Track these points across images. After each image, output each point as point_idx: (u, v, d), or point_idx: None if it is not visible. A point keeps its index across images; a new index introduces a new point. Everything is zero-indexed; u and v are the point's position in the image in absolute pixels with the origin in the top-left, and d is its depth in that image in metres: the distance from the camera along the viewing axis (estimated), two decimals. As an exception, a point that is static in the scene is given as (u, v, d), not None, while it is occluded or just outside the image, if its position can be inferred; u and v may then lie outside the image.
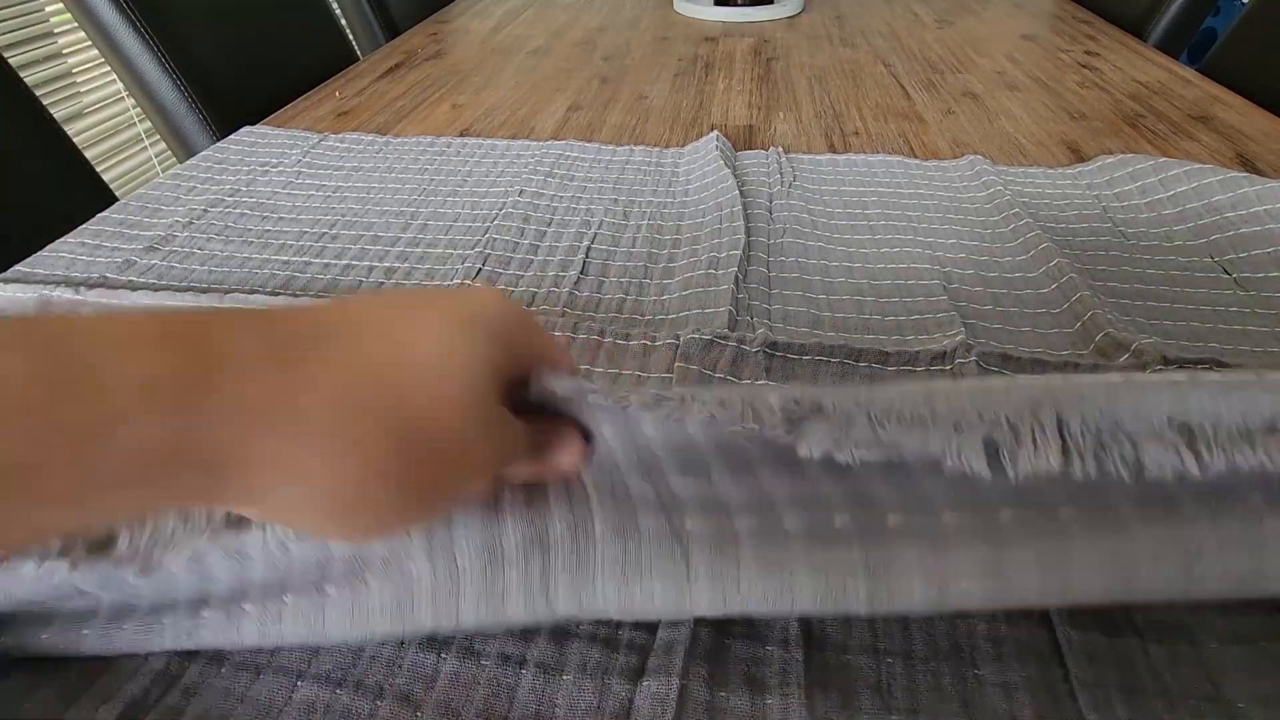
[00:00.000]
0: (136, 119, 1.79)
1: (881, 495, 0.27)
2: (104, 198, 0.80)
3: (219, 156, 0.73)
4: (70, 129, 1.57)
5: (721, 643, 0.30)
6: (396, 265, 0.56)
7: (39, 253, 0.57)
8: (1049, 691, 0.28)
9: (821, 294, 0.52)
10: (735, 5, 1.26)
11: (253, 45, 1.01)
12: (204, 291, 0.52)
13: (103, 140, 1.71)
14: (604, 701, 0.28)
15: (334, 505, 0.22)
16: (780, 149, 0.73)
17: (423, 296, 0.27)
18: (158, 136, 1.48)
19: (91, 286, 0.51)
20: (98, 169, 0.82)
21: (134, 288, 0.52)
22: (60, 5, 1.53)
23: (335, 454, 0.21)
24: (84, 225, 0.61)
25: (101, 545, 0.28)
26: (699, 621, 0.30)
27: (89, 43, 0.92)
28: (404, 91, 0.95)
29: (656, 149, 0.75)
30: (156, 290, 0.52)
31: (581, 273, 0.55)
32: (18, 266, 0.56)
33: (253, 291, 0.52)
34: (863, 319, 0.50)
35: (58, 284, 0.51)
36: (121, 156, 1.77)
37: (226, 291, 0.52)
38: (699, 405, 0.26)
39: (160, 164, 1.86)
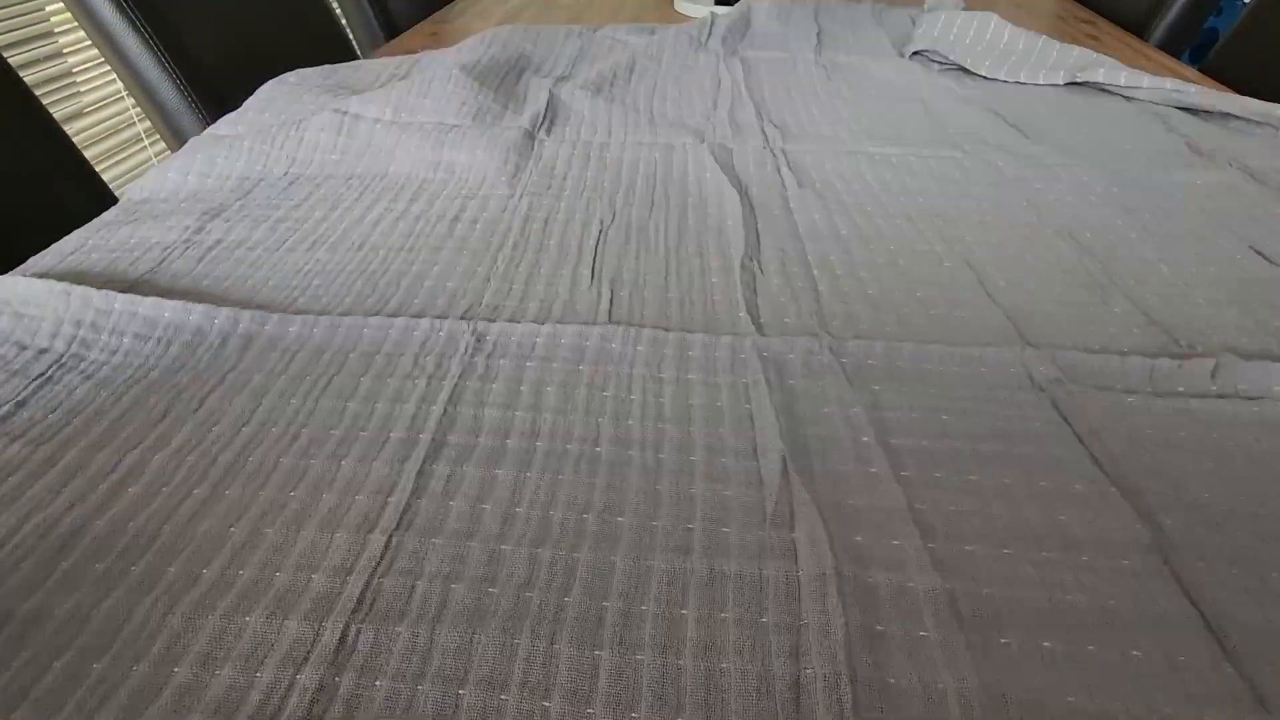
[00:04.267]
0: (136, 119, 1.78)
1: None
2: (103, 197, 0.80)
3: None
4: (70, 129, 1.57)
5: (875, 630, 0.31)
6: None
7: (45, 251, 0.57)
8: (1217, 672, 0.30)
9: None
10: (736, 4, 1.25)
11: (253, 45, 1.01)
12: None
13: (102, 140, 1.71)
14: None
15: None
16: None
17: None
18: (157, 136, 1.48)
19: (124, 290, 0.51)
20: (97, 169, 0.82)
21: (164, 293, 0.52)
22: (60, 5, 1.53)
23: None
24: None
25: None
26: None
27: (89, 43, 0.92)
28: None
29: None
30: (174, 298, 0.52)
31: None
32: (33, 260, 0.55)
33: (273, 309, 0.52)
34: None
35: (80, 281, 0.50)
36: (121, 156, 1.77)
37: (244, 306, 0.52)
38: None
39: (159, 163, 1.85)
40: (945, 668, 0.29)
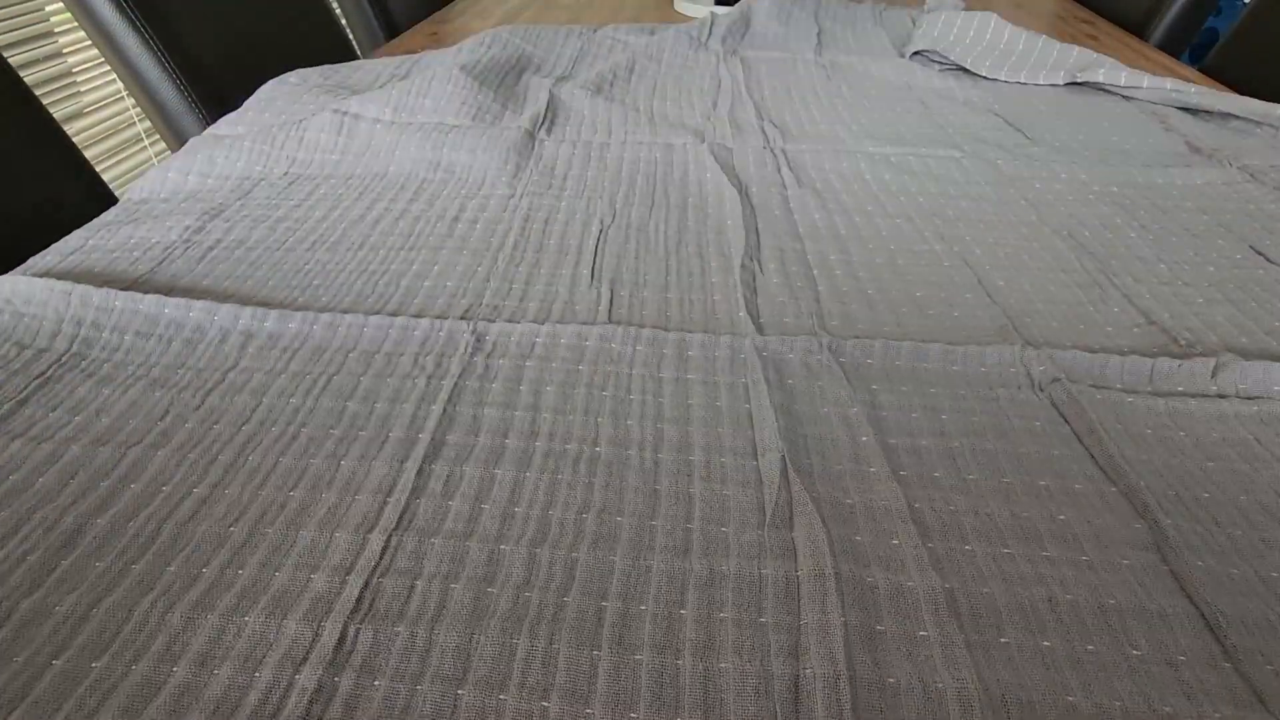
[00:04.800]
0: (136, 119, 1.78)
1: None
2: (103, 197, 0.80)
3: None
4: (70, 129, 1.57)
5: (875, 630, 0.31)
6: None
7: (46, 250, 0.57)
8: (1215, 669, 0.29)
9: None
10: (736, 4, 1.25)
11: (253, 45, 1.01)
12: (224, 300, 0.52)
13: (103, 140, 1.71)
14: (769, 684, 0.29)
15: None
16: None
17: None
18: (157, 136, 1.49)
19: (125, 288, 0.51)
20: (97, 169, 0.82)
21: (166, 290, 0.52)
22: (60, 5, 1.53)
23: None
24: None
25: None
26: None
27: (89, 42, 0.92)
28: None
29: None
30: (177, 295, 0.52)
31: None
32: (34, 259, 0.55)
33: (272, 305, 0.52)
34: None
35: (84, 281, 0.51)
36: (121, 156, 1.77)
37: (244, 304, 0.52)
38: None
39: (159, 164, 1.85)
40: (945, 667, 0.29)
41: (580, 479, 0.38)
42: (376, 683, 0.29)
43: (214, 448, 0.40)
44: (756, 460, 0.39)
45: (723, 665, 0.29)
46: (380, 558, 0.34)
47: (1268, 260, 0.55)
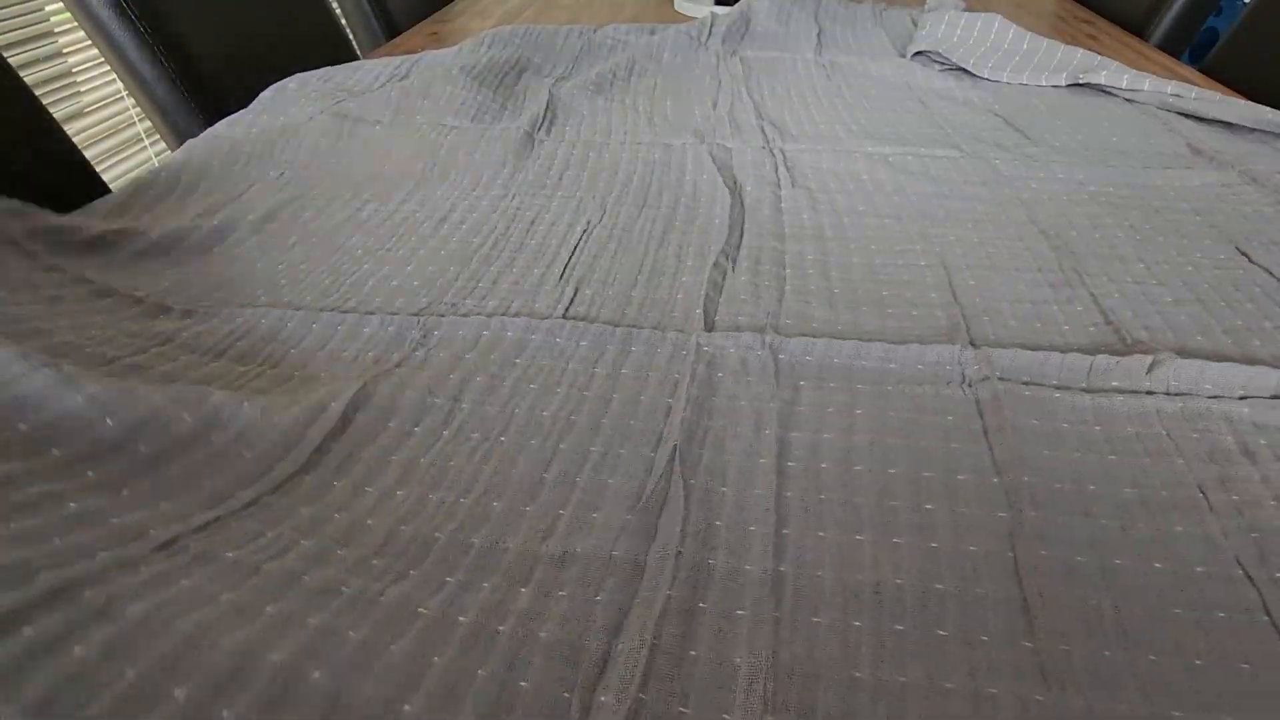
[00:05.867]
0: (136, 118, 1.79)
1: None
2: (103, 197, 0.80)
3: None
4: (70, 128, 1.57)
5: (696, 607, 0.31)
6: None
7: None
8: (1013, 647, 0.30)
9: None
10: (736, 4, 1.25)
11: (252, 44, 1.01)
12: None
13: (102, 140, 1.71)
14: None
15: None
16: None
17: None
18: (157, 136, 1.48)
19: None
20: (97, 168, 0.82)
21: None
22: (60, 5, 1.53)
23: None
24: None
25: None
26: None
27: (89, 42, 0.92)
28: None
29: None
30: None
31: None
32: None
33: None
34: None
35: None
36: (121, 156, 1.77)
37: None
38: None
39: (159, 163, 1.85)
40: (746, 642, 0.30)
41: (471, 466, 0.38)
42: None
43: None
44: (655, 452, 0.39)
45: (542, 634, 0.30)
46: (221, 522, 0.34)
47: (1249, 260, 0.55)
